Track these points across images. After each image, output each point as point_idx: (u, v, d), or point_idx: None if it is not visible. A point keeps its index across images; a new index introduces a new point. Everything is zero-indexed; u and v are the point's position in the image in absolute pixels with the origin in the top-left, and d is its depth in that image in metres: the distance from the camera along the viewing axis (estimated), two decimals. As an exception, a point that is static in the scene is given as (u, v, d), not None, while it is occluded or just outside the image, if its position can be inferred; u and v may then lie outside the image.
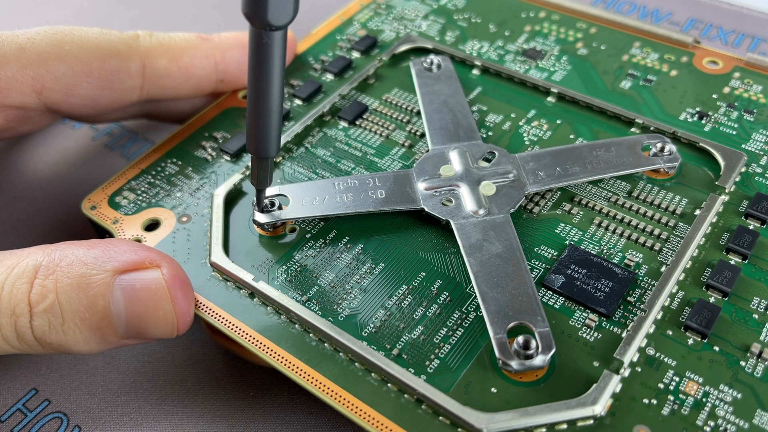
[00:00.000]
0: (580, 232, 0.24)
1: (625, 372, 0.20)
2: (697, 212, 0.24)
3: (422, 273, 0.23)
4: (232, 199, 0.26)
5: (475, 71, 0.30)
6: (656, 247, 0.23)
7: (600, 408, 0.19)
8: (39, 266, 0.20)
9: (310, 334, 0.21)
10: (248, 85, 0.20)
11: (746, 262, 0.22)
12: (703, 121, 0.27)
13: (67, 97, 0.26)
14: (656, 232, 0.23)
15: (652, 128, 0.27)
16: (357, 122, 0.28)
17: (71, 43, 0.25)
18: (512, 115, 0.28)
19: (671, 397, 0.19)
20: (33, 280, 0.20)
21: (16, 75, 0.25)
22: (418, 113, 0.28)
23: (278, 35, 0.19)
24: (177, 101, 0.30)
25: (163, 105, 0.30)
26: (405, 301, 0.22)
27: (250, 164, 0.23)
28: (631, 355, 0.20)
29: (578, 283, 0.22)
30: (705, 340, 0.21)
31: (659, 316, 0.21)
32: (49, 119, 0.28)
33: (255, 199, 0.24)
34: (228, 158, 0.27)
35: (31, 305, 0.20)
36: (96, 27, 0.27)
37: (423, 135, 0.28)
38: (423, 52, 0.31)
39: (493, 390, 0.20)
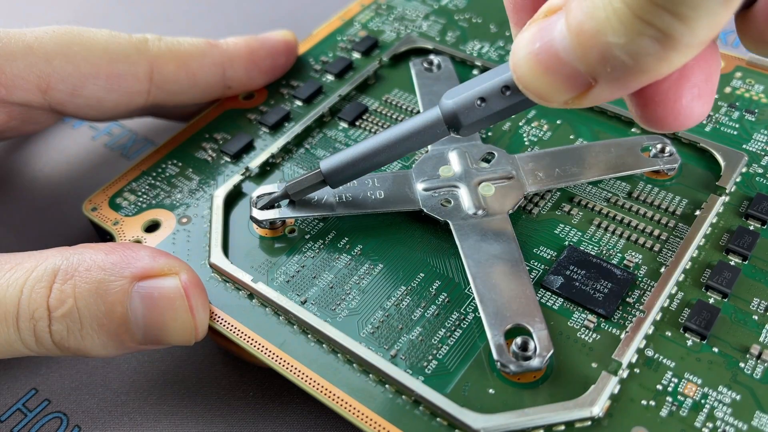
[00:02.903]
0: (580, 233, 0.24)
1: (624, 373, 0.20)
2: (697, 213, 0.24)
3: (421, 274, 0.23)
4: (232, 200, 0.26)
5: (476, 71, 0.30)
6: (656, 248, 0.23)
7: (598, 409, 0.19)
8: (57, 270, 0.20)
9: (309, 335, 0.21)
10: (388, 135, 0.22)
11: (746, 262, 0.22)
12: (704, 121, 0.27)
13: (73, 98, 0.26)
14: (656, 232, 0.23)
15: (652, 128, 0.26)
16: (357, 123, 0.28)
17: (80, 45, 0.25)
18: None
19: (670, 399, 0.19)
20: (52, 285, 0.20)
21: (21, 72, 0.25)
22: (418, 113, 0.28)
23: (445, 133, 0.21)
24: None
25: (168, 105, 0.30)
26: (403, 302, 0.22)
27: (306, 173, 0.23)
28: (629, 356, 0.20)
29: (577, 284, 0.22)
30: (704, 342, 0.21)
31: (658, 317, 0.21)
32: (53, 119, 0.28)
33: (264, 196, 0.24)
34: (228, 159, 0.27)
35: (50, 310, 0.20)
36: (104, 29, 0.27)
37: (423, 135, 0.28)
38: (423, 52, 0.31)
39: (491, 391, 0.20)
